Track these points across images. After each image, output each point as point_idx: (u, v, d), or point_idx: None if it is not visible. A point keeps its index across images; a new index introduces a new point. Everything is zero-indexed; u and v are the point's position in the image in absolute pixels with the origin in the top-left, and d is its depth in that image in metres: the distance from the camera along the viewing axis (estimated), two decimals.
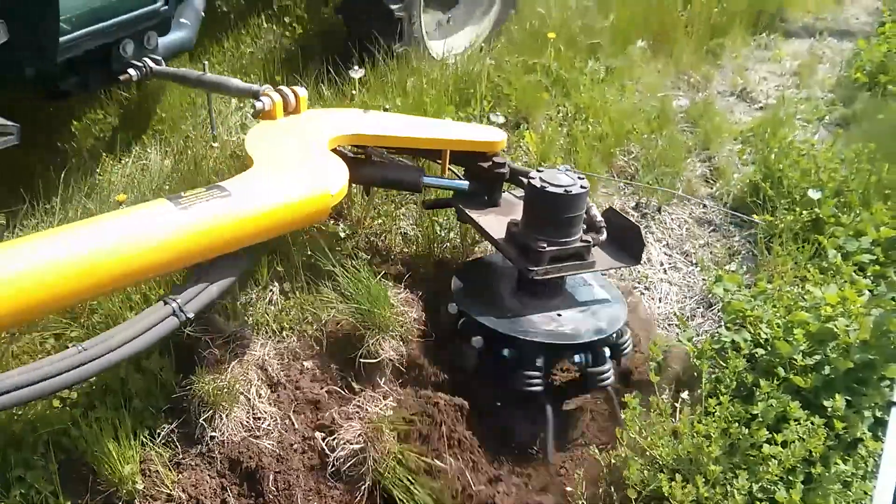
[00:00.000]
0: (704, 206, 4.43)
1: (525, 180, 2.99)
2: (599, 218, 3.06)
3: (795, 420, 2.71)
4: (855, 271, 3.61)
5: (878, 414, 2.75)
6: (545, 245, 2.88)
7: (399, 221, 3.74)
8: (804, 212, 3.95)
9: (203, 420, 2.78)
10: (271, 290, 3.19)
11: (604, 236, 3.03)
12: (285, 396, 2.93)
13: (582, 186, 2.90)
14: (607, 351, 2.98)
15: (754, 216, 4.12)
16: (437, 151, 3.33)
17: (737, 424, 2.71)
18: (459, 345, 3.01)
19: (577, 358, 2.98)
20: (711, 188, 4.57)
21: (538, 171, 2.97)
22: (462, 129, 3.50)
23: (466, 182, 3.34)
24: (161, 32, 3.85)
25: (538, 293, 3.06)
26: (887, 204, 4.02)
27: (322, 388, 2.99)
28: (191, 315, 2.49)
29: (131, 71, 3.70)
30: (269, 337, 3.06)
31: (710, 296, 3.79)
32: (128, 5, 3.52)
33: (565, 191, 2.87)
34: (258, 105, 3.17)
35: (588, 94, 4.82)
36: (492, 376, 2.97)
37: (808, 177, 4.21)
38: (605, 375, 2.96)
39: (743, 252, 4.12)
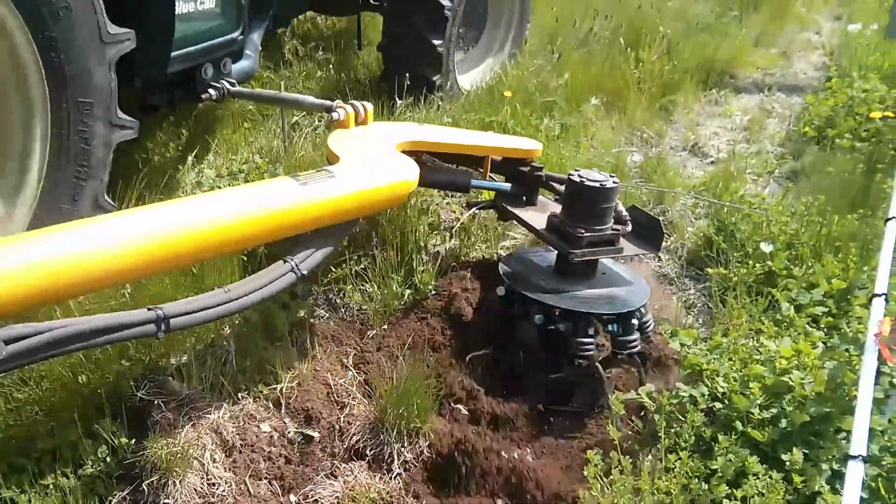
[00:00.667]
0: (660, 259, 4.48)
1: (567, 177, 3.48)
2: (625, 212, 3.54)
3: (754, 475, 2.71)
4: (808, 323, 3.66)
5: (836, 466, 2.76)
6: (583, 231, 3.35)
7: (359, 280, 3.72)
8: (757, 265, 4.01)
9: (155, 486, 2.71)
10: (227, 350, 3.15)
11: (629, 227, 3.50)
12: (241, 461, 2.87)
13: (613, 182, 3.40)
14: (635, 323, 3.39)
15: (709, 269, 4.18)
16: (481, 159, 3.81)
17: (697, 480, 2.71)
18: (521, 322, 3.41)
19: (612, 328, 3.39)
20: (666, 242, 4.63)
21: (576, 170, 3.47)
22: (504, 139, 4.02)
23: (508, 184, 3.81)
24: (234, 60, 4.31)
25: (576, 275, 3.50)
26: (838, 256, 4.10)
27: (280, 451, 2.94)
28: (305, 272, 2.87)
29: (211, 91, 4.14)
30: (225, 399, 3.01)
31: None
32: (212, 33, 4.00)
33: (601, 185, 3.37)
34: (335, 115, 3.61)
35: (544, 151, 4.87)
36: (548, 347, 3.39)
37: (759, 230, 4.29)
38: (635, 342, 3.38)
39: (699, 305, 4.16)
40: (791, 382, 2.99)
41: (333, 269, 3.72)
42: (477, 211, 4.02)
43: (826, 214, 4.37)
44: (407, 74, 5.03)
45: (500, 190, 3.82)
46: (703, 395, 3.09)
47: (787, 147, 6.13)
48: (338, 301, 3.65)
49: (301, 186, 2.87)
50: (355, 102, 3.70)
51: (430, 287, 3.65)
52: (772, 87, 7.60)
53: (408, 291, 3.66)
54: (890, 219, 3.64)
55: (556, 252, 3.54)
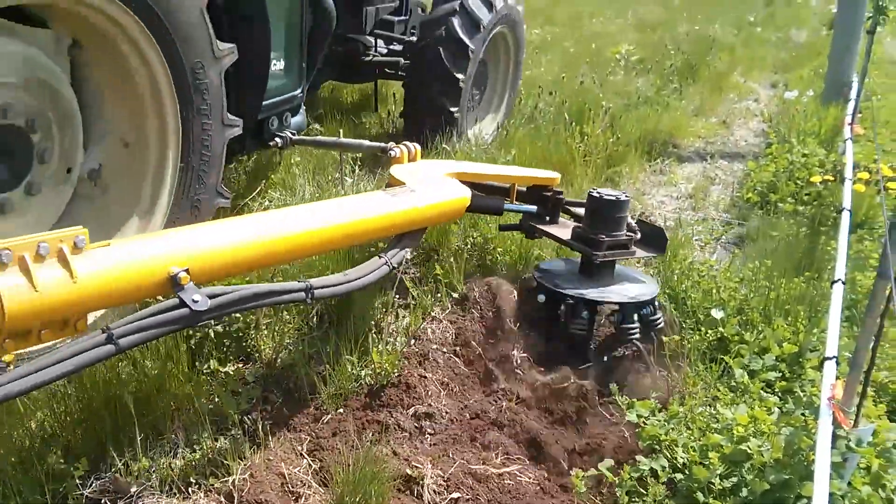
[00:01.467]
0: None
1: (588, 194, 4.18)
2: (633, 223, 4.21)
3: None
4: (763, 389, 3.67)
5: None
6: (604, 237, 4.03)
7: (313, 363, 3.67)
8: (709, 331, 4.04)
9: None
10: (175, 443, 3.06)
11: (639, 235, 4.18)
12: None
13: (626, 196, 4.14)
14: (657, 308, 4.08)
15: (663, 337, 4.19)
16: (507, 189, 4.49)
17: None
18: (573, 319, 3.92)
19: (646, 310, 4.01)
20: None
21: (594, 189, 4.21)
22: (529, 170, 4.73)
23: (534, 207, 4.46)
24: (293, 114, 4.99)
25: (601, 276, 4.14)
26: (787, 319, 4.15)
27: None
28: (395, 265, 3.47)
29: (277, 139, 4.82)
30: (175, 494, 2.91)
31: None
32: (282, 90, 4.72)
33: (616, 198, 4.10)
34: (393, 152, 4.40)
35: (494, 225, 4.91)
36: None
37: (710, 297, 4.34)
38: (659, 321, 4.06)
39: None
40: (749, 450, 2.98)
41: (286, 354, 3.66)
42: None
43: (773, 279, 4.43)
44: (426, 132, 5.92)
45: (527, 212, 4.46)
46: (663, 467, 3.06)
47: (732, 213, 6.26)
48: (291, 385, 3.58)
49: (392, 198, 3.59)
50: (406, 143, 4.46)
51: (386, 366, 3.60)
52: (714, 155, 7.80)
53: (364, 372, 3.61)
54: (836, 281, 3.70)
55: (581, 259, 4.22)
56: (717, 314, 4.13)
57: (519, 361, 3.91)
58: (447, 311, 4.15)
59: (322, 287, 3.06)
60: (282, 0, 4.44)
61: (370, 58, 6.25)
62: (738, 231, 5.77)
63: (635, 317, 3.96)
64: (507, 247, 4.76)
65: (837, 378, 3.03)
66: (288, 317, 3.84)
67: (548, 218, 4.49)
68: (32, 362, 2.21)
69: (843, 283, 3.72)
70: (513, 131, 6.57)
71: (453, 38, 5.90)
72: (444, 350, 3.89)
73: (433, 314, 4.11)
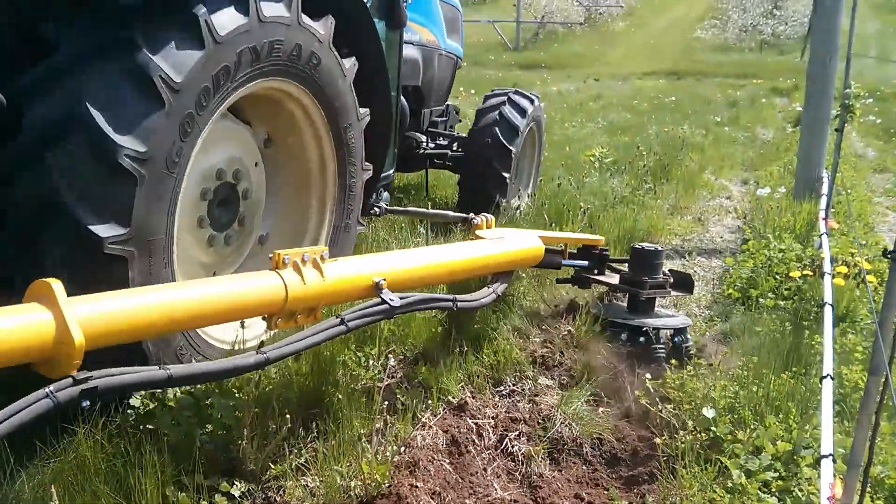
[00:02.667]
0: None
1: (631, 248, 5.51)
2: (667, 270, 5.44)
3: None
4: (760, 489, 3.62)
5: None
6: (647, 279, 5.22)
7: (300, 474, 3.58)
8: (702, 432, 4.00)
9: None
10: None
11: (672, 279, 5.37)
12: None
13: (661, 248, 5.49)
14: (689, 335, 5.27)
15: (656, 439, 4.14)
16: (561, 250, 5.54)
17: None
18: (653, 350, 4.92)
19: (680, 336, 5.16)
20: None
21: (637, 243, 5.57)
22: (580, 235, 6.00)
23: (586, 262, 5.57)
24: (385, 190, 6.08)
25: (645, 311, 5.25)
26: (779, 417, 4.12)
27: None
28: (499, 293, 4.70)
29: (376, 209, 5.88)
30: None
31: None
32: (384, 168, 5.70)
33: (655, 248, 5.41)
34: (476, 221, 5.47)
35: (481, 325, 4.92)
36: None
37: (699, 395, 4.31)
38: (691, 345, 5.18)
39: (647, 478, 4.08)
40: None
41: (273, 466, 3.57)
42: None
43: (762, 375, 4.42)
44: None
45: (580, 266, 5.55)
46: None
47: (714, 309, 6.29)
48: (277, 499, 3.47)
49: (496, 244, 4.83)
50: (484, 214, 5.57)
51: (377, 477, 3.52)
52: (692, 252, 7.89)
53: (353, 483, 3.52)
54: (825, 377, 3.70)
55: (628, 297, 5.34)
56: (708, 413, 4.09)
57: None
58: (438, 417, 4.09)
59: (464, 301, 4.37)
60: (388, 94, 5.37)
61: (423, 150, 7.37)
62: (722, 327, 5.78)
63: (689, 336, 5.20)
64: (499, 346, 4.75)
65: (835, 476, 3.00)
66: (273, 426, 3.76)
67: (596, 271, 5.60)
68: (296, 335, 3.36)
69: (832, 378, 3.73)
70: None
71: (498, 144, 7.26)
72: (436, 457, 3.81)
73: (423, 420, 4.04)
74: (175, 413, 3.52)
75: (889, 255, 2.96)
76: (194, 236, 4.05)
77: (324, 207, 4.76)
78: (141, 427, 3.42)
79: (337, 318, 3.49)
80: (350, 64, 4.54)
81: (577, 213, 7.17)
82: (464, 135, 7.65)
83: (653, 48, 31.55)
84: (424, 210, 6.43)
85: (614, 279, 5.46)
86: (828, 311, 4.60)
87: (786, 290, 6.20)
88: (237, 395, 3.69)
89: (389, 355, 4.25)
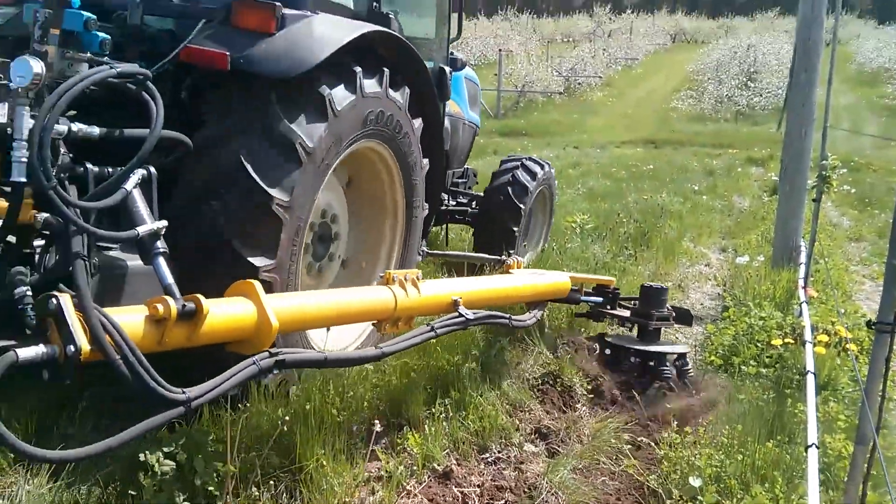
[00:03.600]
0: None
1: (640, 288, 6.37)
2: (670, 306, 6.26)
3: None
4: None
5: None
6: (654, 312, 6.10)
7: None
8: (689, 501, 3.98)
9: None
10: None
11: (674, 314, 6.25)
12: None
13: (665, 286, 6.42)
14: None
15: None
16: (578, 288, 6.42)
17: None
18: (661, 371, 5.78)
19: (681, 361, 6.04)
20: None
21: (646, 283, 6.43)
22: (594, 276, 7.07)
23: (601, 298, 6.42)
24: (425, 236, 6.46)
25: (652, 339, 6.12)
26: (765, 486, 4.11)
27: None
28: (538, 318, 5.85)
29: (418, 256, 6.18)
30: None
31: None
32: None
33: (661, 286, 6.31)
34: (508, 262, 6.43)
35: (470, 392, 4.90)
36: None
37: (685, 465, 4.29)
38: (690, 369, 6.09)
39: None
40: None
41: None
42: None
43: (747, 444, 4.42)
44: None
45: (595, 302, 6.41)
46: None
47: (696, 376, 6.29)
48: None
49: (535, 276, 6.03)
50: (515, 255, 6.78)
51: None
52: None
53: None
54: (810, 446, 3.71)
55: (637, 328, 6.20)
56: (694, 482, 4.08)
57: None
58: (423, 486, 4.05)
59: (517, 320, 5.33)
60: (442, 149, 6.43)
61: (445, 207, 7.95)
62: (705, 397, 5.77)
63: (688, 360, 6.07)
64: (485, 412, 4.73)
65: None
66: (257, 492, 3.71)
67: (608, 306, 6.41)
68: (400, 336, 4.34)
69: (817, 447, 3.74)
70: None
71: (510, 201, 8.01)
72: None
73: (408, 488, 4.00)
74: (158, 480, 3.47)
75: (873, 326, 3.01)
76: (304, 264, 4.86)
77: (394, 238, 5.67)
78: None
79: (427, 326, 4.43)
80: (418, 124, 5.49)
81: None
82: (480, 193, 8.44)
83: (630, 117, 32.08)
84: (461, 253, 7.45)
85: (626, 312, 6.32)
86: (810, 379, 4.64)
87: (767, 357, 6.23)
88: (219, 465, 3.63)
89: (375, 420, 4.22)
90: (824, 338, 5.83)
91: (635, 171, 18.03)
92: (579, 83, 37.91)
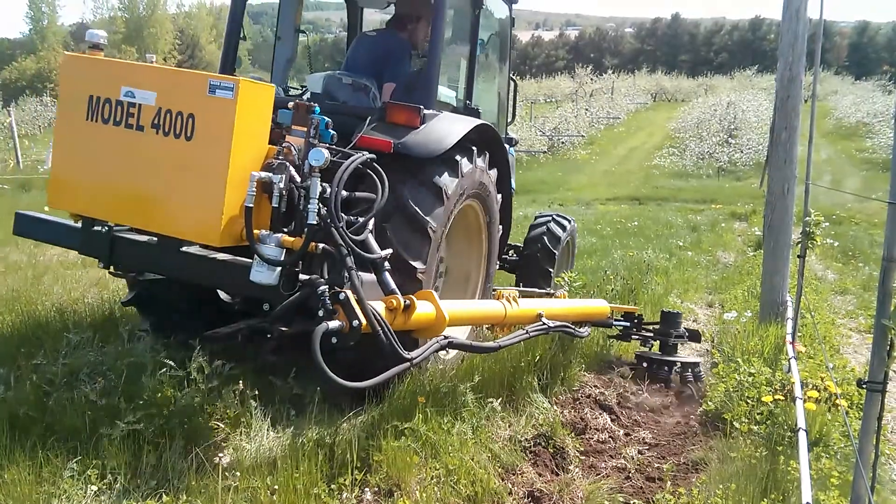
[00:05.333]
0: None
1: (661, 313, 8.09)
2: (684, 326, 7.84)
3: None
4: None
5: None
6: (673, 331, 7.71)
7: None
8: None
9: None
10: None
11: (687, 333, 7.89)
12: None
13: (680, 312, 8.29)
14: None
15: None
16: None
17: None
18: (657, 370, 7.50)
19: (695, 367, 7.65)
20: None
21: (665, 309, 8.11)
22: (622, 306, 8.50)
23: (628, 322, 8.04)
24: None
25: (672, 350, 7.73)
26: None
27: None
28: (586, 334, 7.31)
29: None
30: None
31: None
32: None
33: (677, 312, 8.03)
34: (557, 293, 8.25)
35: (457, 455, 4.85)
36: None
37: None
38: (701, 372, 7.62)
39: None
40: None
41: None
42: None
43: (740, 503, 4.39)
44: None
45: (624, 326, 8.00)
46: None
47: (687, 433, 6.27)
48: None
49: (589, 301, 7.82)
50: (563, 289, 8.41)
51: None
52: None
53: None
54: None
55: (660, 343, 7.82)
56: None
57: None
58: None
59: (579, 332, 6.94)
60: (510, 187, 8.04)
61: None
62: (699, 455, 5.75)
63: (700, 367, 7.60)
64: (477, 476, 4.68)
65: None
66: None
67: (634, 329, 7.99)
68: (506, 336, 5.96)
69: None
70: (479, 360, 6.63)
71: (546, 248, 9.73)
72: None
73: None
74: None
75: (863, 386, 3.02)
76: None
77: (480, 259, 7.23)
78: None
79: (524, 330, 6.03)
80: (494, 174, 7.00)
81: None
82: (519, 244, 10.14)
83: (614, 175, 32.44)
84: (519, 288, 8.34)
85: (650, 333, 7.94)
86: (802, 436, 4.63)
87: (758, 414, 6.20)
88: None
89: (365, 488, 4.17)
90: (814, 394, 5.83)
91: (620, 228, 18.14)
92: (563, 142, 38.39)
